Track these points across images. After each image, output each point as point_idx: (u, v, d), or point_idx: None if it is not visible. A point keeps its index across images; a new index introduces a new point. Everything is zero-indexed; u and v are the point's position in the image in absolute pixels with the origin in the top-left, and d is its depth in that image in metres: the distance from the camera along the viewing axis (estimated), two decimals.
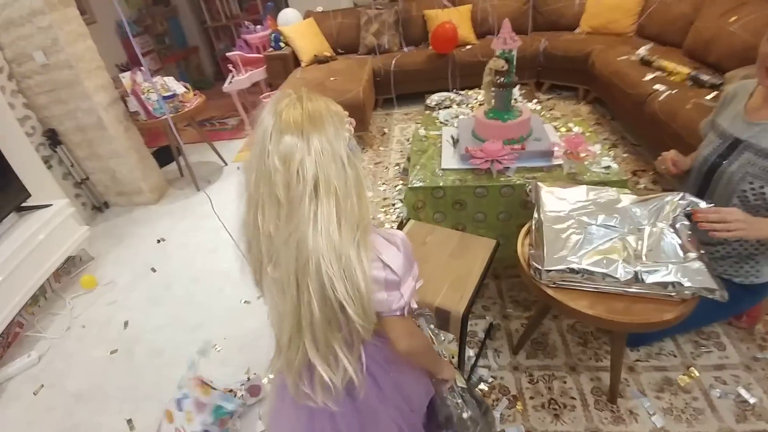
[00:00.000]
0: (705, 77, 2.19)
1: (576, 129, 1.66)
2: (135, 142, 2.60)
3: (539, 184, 1.21)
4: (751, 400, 1.19)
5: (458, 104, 2.43)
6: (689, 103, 2.01)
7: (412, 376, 0.83)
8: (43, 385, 1.56)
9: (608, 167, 1.38)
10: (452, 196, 1.46)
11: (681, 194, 1.05)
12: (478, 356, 1.41)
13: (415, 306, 0.70)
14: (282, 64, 3.50)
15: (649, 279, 0.93)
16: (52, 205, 1.95)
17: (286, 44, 3.53)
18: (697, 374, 1.28)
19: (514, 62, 1.45)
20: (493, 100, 1.55)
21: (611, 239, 1.01)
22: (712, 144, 1.13)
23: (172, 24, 5.00)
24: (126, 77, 2.50)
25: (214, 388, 1.31)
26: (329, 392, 0.66)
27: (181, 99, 2.65)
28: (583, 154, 1.35)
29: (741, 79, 1.93)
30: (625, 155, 2.47)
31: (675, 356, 1.34)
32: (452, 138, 1.70)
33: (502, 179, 1.42)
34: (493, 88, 1.52)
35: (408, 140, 3.00)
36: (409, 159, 1.86)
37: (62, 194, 2.25)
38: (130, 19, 4.37)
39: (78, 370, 1.60)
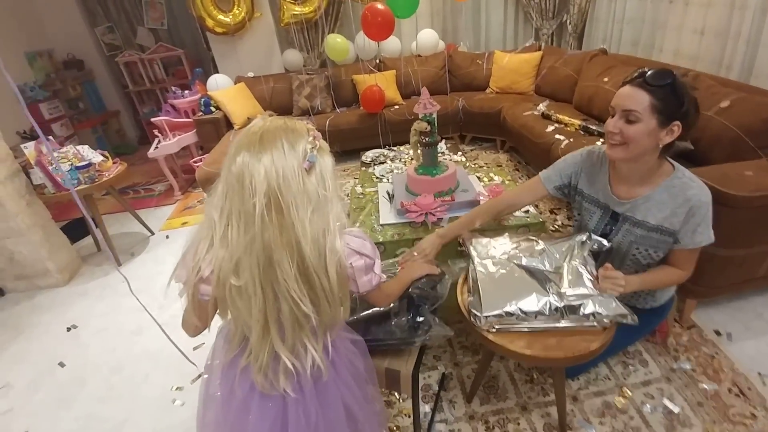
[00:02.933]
0: (593, 127, 2.60)
1: (496, 178, 1.85)
2: (40, 217, 2.33)
3: (468, 234, 1.31)
4: (675, 410, 1.31)
5: (392, 159, 2.58)
6: None
7: (364, 361, 0.91)
8: None
9: (527, 211, 1.54)
10: (392, 250, 1.51)
11: (587, 234, 1.19)
12: (434, 411, 1.39)
13: (384, 277, 0.85)
14: (213, 128, 3.48)
15: (573, 312, 1.02)
16: None
17: (217, 108, 3.54)
18: (630, 393, 1.38)
19: (436, 123, 1.60)
20: (421, 158, 1.68)
21: (537, 279, 1.10)
22: (595, 215, 1.23)
23: (87, 88, 4.77)
24: (30, 147, 2.30)
25: None
26: (291, 378, 0.76)
27: (98, 168, 2.47)
28: None
29: None
30: None
31: (609, 379, 1.45)
32: (388, 194, 1.79)
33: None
34: (420, 147, 1.65)
35: (347, 195, 3.06)
36: (348, 216, 1.90)
37: None
38: (35, 84, 4.09)
39: None
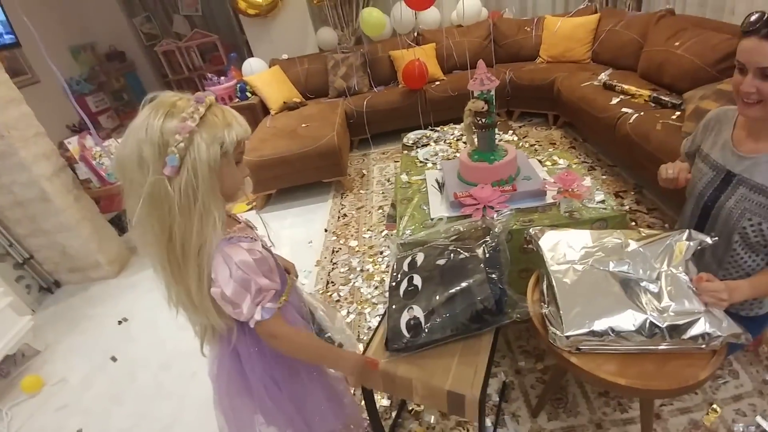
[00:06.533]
0: (665, 98, 2.27)
1: (561, 162, 1.63)
2: (88, 211, 2.37)
3: (537, 232, 1.13)
4: None
5: (435, 141, 2.40)
6: (658, 124, 2.05)
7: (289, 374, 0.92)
8: None
9: (604, 201, 1.33)
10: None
11: (686, 232, 0.98)
12: (495, 426, 1.26)
13: (267, 315, 0.77)
14: (250, 114, 3.42)
15: (678, 334, 0.84)
16: None
17: (253, 93, 3.47)
18: (719, 410, 1.20)
19: (494, 102, 1.41)
20: (476, 142, 1.50)
21: (629, 290, 0.92)
22: (705, 176, 1.08)
23: (129, 79, 4.87)
24: (73, 142, 2.31)
25: None
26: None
27: None
28: (578, 191, 1.29)
29: (699, 99, 1.99)
30: (604, 177, 2.49)
31: (696, 393, 1.26)
32: (437, 182, 1.62)
33: None
34: (474, 130, 1.47)
35: (389, 180, 2.93)
36: (393, 206, 1.77)
37: None
38: (80, 77, 4.21)
39: None
